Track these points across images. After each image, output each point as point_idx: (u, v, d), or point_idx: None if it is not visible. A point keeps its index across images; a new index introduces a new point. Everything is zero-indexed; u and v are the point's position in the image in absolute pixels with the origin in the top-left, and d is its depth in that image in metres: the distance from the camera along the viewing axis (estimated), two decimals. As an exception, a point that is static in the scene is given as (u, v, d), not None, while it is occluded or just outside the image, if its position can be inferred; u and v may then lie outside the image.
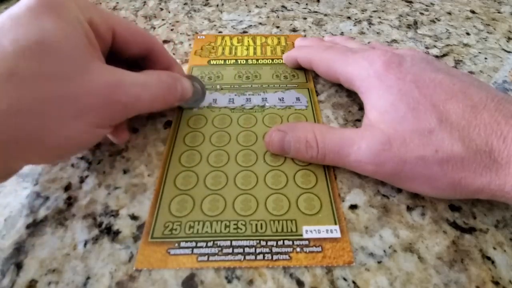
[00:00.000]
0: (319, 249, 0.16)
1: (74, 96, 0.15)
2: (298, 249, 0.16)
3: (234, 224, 0.17)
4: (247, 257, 0.16)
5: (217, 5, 0.37)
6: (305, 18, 0.35)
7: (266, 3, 0.38)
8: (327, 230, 0.17)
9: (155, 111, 0.22)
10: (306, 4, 0.38)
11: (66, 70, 0.15)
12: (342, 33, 0.33)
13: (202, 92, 0.24)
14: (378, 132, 0.17)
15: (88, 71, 0.15)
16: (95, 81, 0.15)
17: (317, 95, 0.25)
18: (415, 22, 0.35)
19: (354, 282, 0.15)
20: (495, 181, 0.14)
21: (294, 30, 0.34)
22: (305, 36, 0.33)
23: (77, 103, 0.15)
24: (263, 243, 0.16)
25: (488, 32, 0.34)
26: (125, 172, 0.20)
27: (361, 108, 0.24)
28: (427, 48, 0.31)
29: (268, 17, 0.36)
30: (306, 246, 0.16)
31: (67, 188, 0.19)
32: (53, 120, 0.14)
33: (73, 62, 0.15)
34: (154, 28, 0.33)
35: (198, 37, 0.32)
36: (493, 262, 0.16)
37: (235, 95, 0.25)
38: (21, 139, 0.14)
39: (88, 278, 0.15)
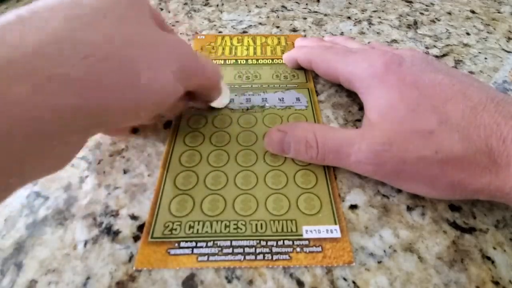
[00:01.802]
0: (319, 249, 0.16)
1: (158, 43, 0.15)
2: (298, 249, 0.16)
3: (234, 224, 0.17)
4: (247, 257, 0.16)
5: (217, 5, 0.37)
6: (305, 18, 0.35)
7: (266, 3, 0.38)
8: (327, 230, 0.17)
9: (197, 100, 0.21)
10: (306, 4, 0.38)
11: (150, 21, 0.15)
12: (342, 33, 0.33)
13: (228, 94, 0.24)
14: (378, 132, 0.17)
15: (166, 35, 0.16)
16: (175, 39, 0.16)
17: (317, 95, 0.25)
18: (415, 22, 0.35)
19: (354, 282, 0.15)
20: (495, 182, 0.14)
21: (294, 30, 0.34)
22: (305, 36, 0.33)
23: (161, 50, 0.15)
24: (263, 243, 0.16)
25: (488, 32, 0.34)
26: (125, 172, 0.20)
27: (361, 108, 0.24)
28: (427, 48, 0.31)
29: (268, 17, 0.36)
30: (306, 246, 0.16)
31: (67, 188, 0.19)
32: (142, 64, 0.14)
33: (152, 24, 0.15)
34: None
35: (198, 37, 0.32)
36: (493, 262, 0.16)
37: (235, 95, 0.25)
38: (113, 85, 0.13)
39: (88, 278, 0.15)
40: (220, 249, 0.16)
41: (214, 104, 0.23)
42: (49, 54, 0.11)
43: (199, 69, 0.18)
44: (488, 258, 0.16)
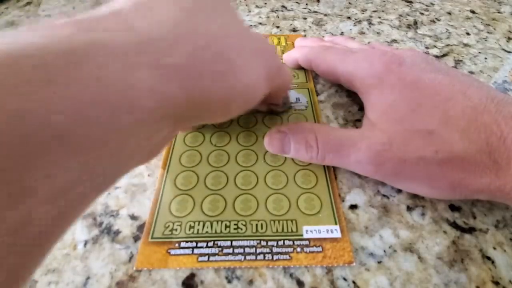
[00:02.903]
0: (319, 249, 0.16)
1: (250, 37, 0.15)
2: (298, 249, 0.16)
3: (235, 224, 0.17)
4: (247, 257, 0.16)
5: (217, 5, 0.37)
6: (305, 18, 0.35)
7: (266, 3, 0.38)
8: (327, 230, 0.17)
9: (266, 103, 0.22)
10: (306, 4, 0.38)
11: (237, 14, 0.15)
12: (342, 33, 0.33)
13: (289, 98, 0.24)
14: (378, 132, 0.17)
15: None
16: (260, 36, 0.17)
17: (317, 95, 0.25)
18: (415, 22, 0.35)
19: (354, 282, 0.15)
20: (495, 182, 0.14)
21: (294, 30, 0.34)
22: (305, 36, 0.33)
23: (253, 44, 0.15)
24: (263, 243, 0.16)
25: (488, 32, 0.34)
26: (125, 172, 0.20)
27: (361, 108, 0.24)
28: (427, 48, 0.31)
29: (268, 17, 0.36)
30: (306, 246, 0.16)
31: (67, 188, 0.19)
32: (238, 56, 0.13)
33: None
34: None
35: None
36: (493, 262, 0.16)
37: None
38: (214, 74, 0.12)
39: (88, 278, 0.15)
40: (220, 249, 0.16)
41: (279, 108, 0.23)
42: (163, 42, 0.11)
43: (282, 70, 0.18)
44: (488, 258, 0.16)
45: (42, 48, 0.08)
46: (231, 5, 0.15)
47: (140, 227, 0.17)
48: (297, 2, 0.39)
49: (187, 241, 0.16)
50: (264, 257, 0.16)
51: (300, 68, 0.27)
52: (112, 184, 0.11)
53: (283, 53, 0.29)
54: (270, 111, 0.23)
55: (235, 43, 0.14)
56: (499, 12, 0.38)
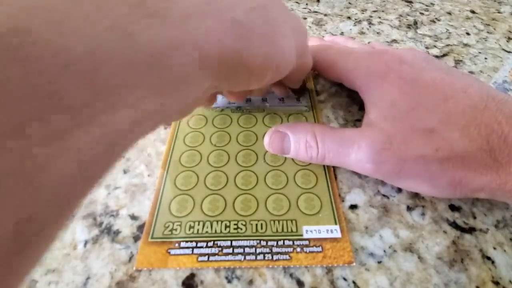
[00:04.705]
0: (319, 249, 0.16)
1: (286, 9, 0.16)
2: (298, 249, 0.16)
3: (234, 224, 0.17)
4: (247, 257, 0.16)
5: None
6: (305, 18, 0.35)
7: (266, 3, 0.38)
8: (327, 230, 0.17)
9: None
10: (306, 4, 0.38)
11: None
12: (342, 33, 0.33)
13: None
14: (378, 131, 0.17)
15: None
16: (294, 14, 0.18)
17: (317, 95, 0.25)
18: (415, 22, 0.35)
19: (354, 282, 0.15)
20: (496, 181, 0.14)
21: (294, 30, 0.33)
22: (305, 36, 0.33)
23: (291, 17, 0.16)
24: (263, 243, 0.16)
25: (488, 32, 0.34)
26: (125, 172, 0.20)
27: (361, 108, 0.24)
28: (427, 48, 0.31)
29: (268, 17, 0.35)
30: (306, 246, 0.16)
31: (67, 188, 0.19)
32: (282, 22, 0.14)
33: None
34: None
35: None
36: (493, 262, 0.16)
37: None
38: (261, 35, 0.13)
39: (88, 278, 0.15)
40: (220, 249, 0.16)
41: (296, 93, 0.24)
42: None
43: (307, 51, 0.19)
44: (488, 258, 0.16)
45: None
46: None
47: (140, 227, 0.17)
48: (297, 2, 0.39)
49: (187, 241, 0.16)
50: (264, 257, 0.16)
51: (300, 68, 0.27)
52: (146, 133, 0.11)
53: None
54: (287, 96, 0.24)
55: (282, 13, 0.15)
56: (499, 12, 0.38)
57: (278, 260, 0.16)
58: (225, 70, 0.12)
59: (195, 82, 0.11)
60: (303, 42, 0.18)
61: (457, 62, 0.29)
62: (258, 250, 0.16)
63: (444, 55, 0.30)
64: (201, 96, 0.13)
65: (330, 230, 0.17)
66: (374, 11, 0.37)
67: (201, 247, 0.16)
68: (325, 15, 0.36)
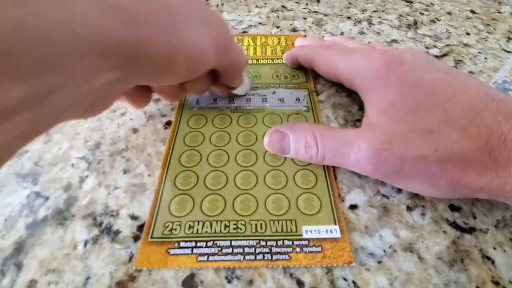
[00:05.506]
0: (319, 249, 0.16)
1: (199, 4, 0.16)
2: (298, 249, 0.16)
3: (234, 224, 0.17)
4: (247, 257, 0.16)
5: (217, 5, 0.37)
6: (305, 18, 0.35)
7: (266, 3, 0.38)
8: (327, 230, 0.17)
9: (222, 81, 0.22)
10: (306, 4, 0.38)
11: None
12: (342, 33, 0.33)
13: (249, 83, 0.25)
14: (378, 131, 0.17)
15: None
16: (215, 12, 0.17)
17: (317, 95, 0.25)
18: (415, 22, 0.35)
19: (354, 282, 0.15)
20: (496, 181, 0.14)
21: (294, 30, 0.34)
22: (305, 36, 0.33)
23: (200, 10, 0.16)
24: (263, 243, 0.16)
25: (488, 32, 0.34)
26: (125, 172, 0.20)
27: (361, 108, 0.24)
28: (427, 48, 0.31)
29: (268, 17, 0.36)
30: (306, 246, 0.16)
31: (67, 188, 0.19)
32: (183, 12, 0.14)
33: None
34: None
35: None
36: (493, 262, 0.16)
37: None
38: (158, 23, 0.13)
39: (88, 278, 0.15)
40: (220, 249, 0.16)
41: (236, 91, 0.23)
42: None
43: (233, 47, 0.18)
44: (488, 258, 0.16)
45: None
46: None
47: (140, 227, 0.17)
48: (297, 2, 0.39)
49: (186, 241, 0.16)
50: (264, 257, 0.16)
51: (300, 68, 0.27)
52: (48, 127, 0.11)
53: (283, 53, 0.29)
54: (230, 97, 0.24)
55: (187, 4, 0.14)
56: (499, 12, 0.38)
57: (277, 260, 0.16)
58: (122, 59, 0.12)
59: (77, 66, 0.11)
60: (223, 36, 0.17)
61: (457, 62, 0.29)
62: (258, 250, 0.16)
63: (444, 55, 0.30)
64: (109, 89, 0.13)
65: (329, 230, 0.17)
66: (374, 11, 0.37)
67: (201, 247, 0.16)
68: (325, 15, 0.36)
